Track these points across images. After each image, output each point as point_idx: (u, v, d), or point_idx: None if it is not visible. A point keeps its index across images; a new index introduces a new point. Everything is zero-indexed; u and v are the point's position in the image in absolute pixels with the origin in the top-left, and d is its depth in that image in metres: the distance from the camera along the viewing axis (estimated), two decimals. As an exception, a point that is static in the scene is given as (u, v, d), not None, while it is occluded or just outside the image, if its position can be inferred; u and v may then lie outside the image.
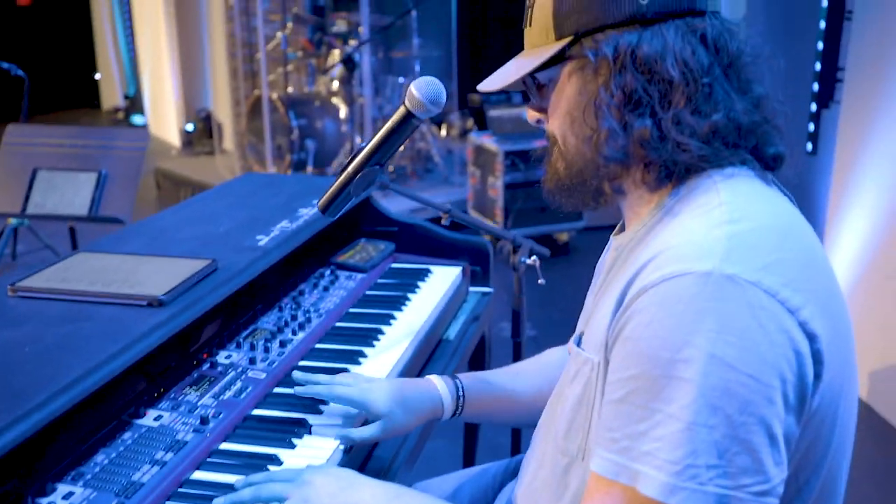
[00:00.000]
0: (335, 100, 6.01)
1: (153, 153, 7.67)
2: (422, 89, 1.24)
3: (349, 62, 5.32)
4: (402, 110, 1.25)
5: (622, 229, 1.12)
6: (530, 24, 1.05)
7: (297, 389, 1.34)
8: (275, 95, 5.90)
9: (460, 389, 1.37)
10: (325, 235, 1.95)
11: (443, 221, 1.63)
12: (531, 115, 1.10)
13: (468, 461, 2.27)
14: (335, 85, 6.05)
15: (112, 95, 10.54)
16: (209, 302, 1.42)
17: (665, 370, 0.85)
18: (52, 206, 2.98)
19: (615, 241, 1.11)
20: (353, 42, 5.90)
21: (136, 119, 9.56)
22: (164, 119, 8.82)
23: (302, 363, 1.55)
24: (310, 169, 5.81)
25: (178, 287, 1.40)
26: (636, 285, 0.91)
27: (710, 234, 0.90)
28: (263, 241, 1.70)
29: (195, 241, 1.68)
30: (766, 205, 0.97)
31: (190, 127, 7.95)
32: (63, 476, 1.16)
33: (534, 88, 1.07)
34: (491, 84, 1.09)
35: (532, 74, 1.05)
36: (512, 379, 1.43)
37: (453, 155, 6.48)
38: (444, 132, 7.13)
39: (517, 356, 2.01)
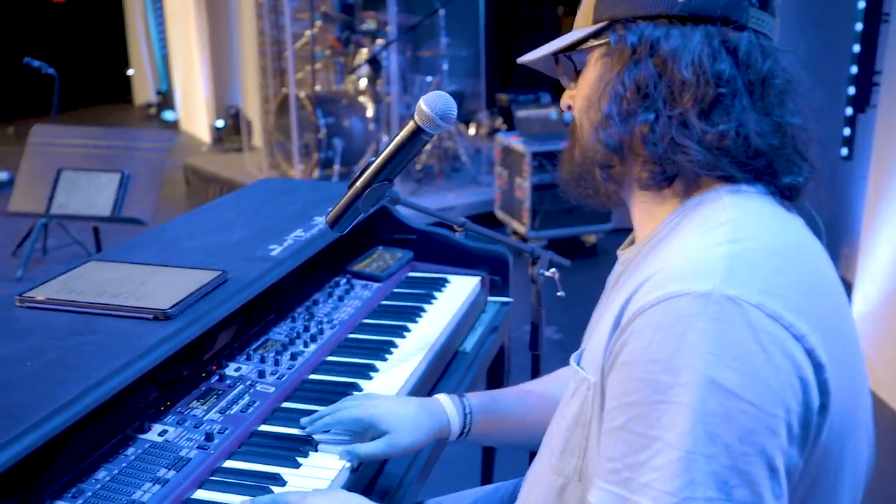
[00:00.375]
0: (362, 98, 6.00)
1: (184, 149, 7.74)
2: (431, 104, 1.21)
3: (374, 62, 5.29)
4: (411, 125, 1.22)
5: (631, 243, 1.10)
6: (580, 7, 1.06)
7: (307, 430, 1.31)
8: (302, 93, 5.89)
9: (467, 408, 1.34)
10: (342, 243, 1.92)
11: (457, 235, 1.59)
12: (564, 98, 1.10)
13: (486, 472, 2.23)
14: (363, 83, 6.03)
15: (144, 91, 10.64)
16: (217, 315, 1.40)
17: (664, 395, 0.82)
18: (75, 206, 2.99)
19: (622, 255, 1.09)
20: (380, 41, 5.88)
21: (168, 115, 9.63)
22: (195, 115, 8.89)
23: (311, 377, 1.52)
24: (337, 167, 5.80)
25: (185, 300, 1.38)
26: (633, 306, 0.88)
27: (710, 252, 0.87)
28: (276, 250, 1.68)
29: (207, 251, 1.66)
30: (773, 224, 0.93)
31: (220, 123, 7.99)
32: (63, 493, 1.14)
33: (571, 71, 1.07)
34: (527, 57, 1.11)
35: (565, 53, 1.05)
36: (521, 401, 1.39)
37: (481, 154, 6.43)
38: (472, 131, 7.09)
39: (536, 369, 1.97)
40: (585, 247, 5.19)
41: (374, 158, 1.26)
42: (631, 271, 1.00)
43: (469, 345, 1.87)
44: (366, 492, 1.32)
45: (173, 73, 9.61)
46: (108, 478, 1.18)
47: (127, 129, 3.12)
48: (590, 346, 1.00)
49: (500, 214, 5.41)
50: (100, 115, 9.55)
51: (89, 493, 1.14)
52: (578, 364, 1.02)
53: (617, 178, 1.02)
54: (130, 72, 10.75)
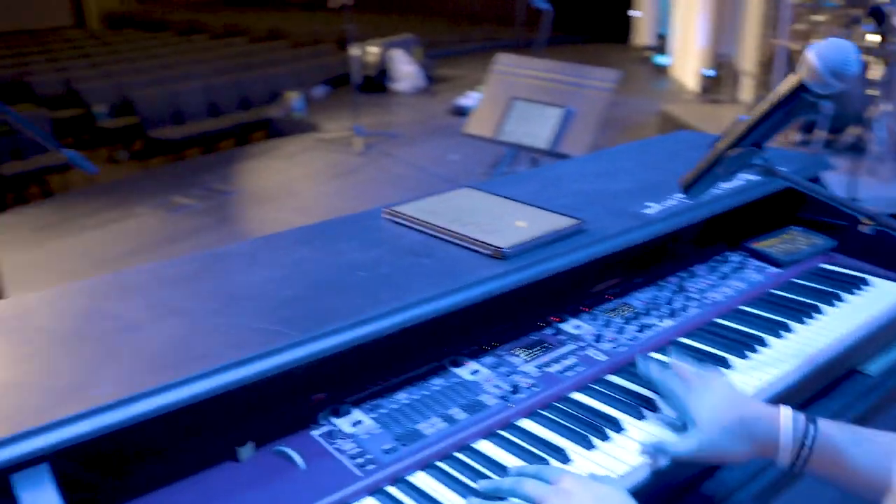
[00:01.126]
0: (867, 58, 5.22)
1: (668, 95, 7.65)
2: (822, 55, 0.92)
3: (878, 13, 4.53)
4: (792, 80, 0.95)
5: None
6: None
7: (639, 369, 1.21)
8: (798, 47, 5.34)
9: (811, 436, 1.05)
10: (743, 215, 1.68)
11: (861, 228, 1.25)
12: None
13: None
14: (874, 40, 5.24)
15: (643, 34, 10.71)
16: (556, 265, 1.31)
17: None
18: (519, 135, 3.12)
19: None
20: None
21: (660, 59, 9.58)
22: (686, 62, 8.69)
23: (652, 355, 1.35)
24: (820, 132, 5.19)
25: (527, 242, 1.32)
26: None
27: None
28: (652, 209, 1.51)
29: (580, 197, 1.57)
30: None
31: (709, 72, 7.70)
32: (362, 402, 1.18)
33: None
34: None
35: None
36: (885, 455, 1.06)
37: None
38: None
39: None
40: None
41: (743, 117, 1.02)
42: None
43: (877, 367, 1.51)
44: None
45: (674, 17, 9.48)
46: (405, 401, 1.19)
47: (577, 65, 3.12)
48: None
49: None
50: (591, 54, 9.87)
51: (383, 411, 1.17)
52: None
53: None
54: (636, 13, 10.88)
